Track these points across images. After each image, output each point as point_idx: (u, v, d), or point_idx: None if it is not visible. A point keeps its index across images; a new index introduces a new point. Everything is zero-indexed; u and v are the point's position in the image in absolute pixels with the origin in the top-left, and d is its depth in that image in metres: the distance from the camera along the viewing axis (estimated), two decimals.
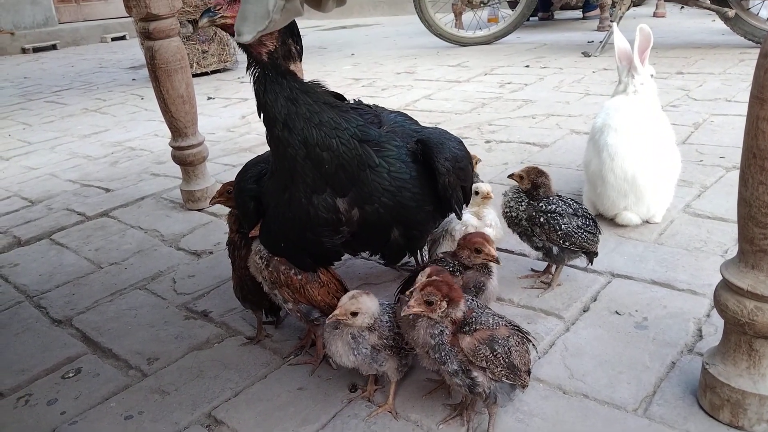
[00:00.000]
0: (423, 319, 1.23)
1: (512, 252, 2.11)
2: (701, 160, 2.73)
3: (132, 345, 1.83)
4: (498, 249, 2.09)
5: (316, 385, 1.56)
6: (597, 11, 7.11)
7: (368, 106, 1.65)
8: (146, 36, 2.49)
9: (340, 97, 1.49)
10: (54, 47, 11.82)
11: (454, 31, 6.81)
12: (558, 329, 1.67)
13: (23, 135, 4.82)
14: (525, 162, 2.94)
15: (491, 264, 1.57)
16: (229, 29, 1.31)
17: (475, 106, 4.13)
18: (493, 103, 4.14)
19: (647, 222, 2.20)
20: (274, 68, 1.31)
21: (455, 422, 1.37)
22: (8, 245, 2.66)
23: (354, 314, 1.32)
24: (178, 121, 2.65)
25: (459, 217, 1.64)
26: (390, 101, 4.47)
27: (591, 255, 1.81)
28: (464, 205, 1.65)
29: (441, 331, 1.22)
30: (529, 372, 1.31)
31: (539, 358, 1.55)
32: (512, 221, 1.80)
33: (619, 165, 2.11)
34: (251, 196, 1.53)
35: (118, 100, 5.91)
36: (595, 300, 1.78)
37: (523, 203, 1.77)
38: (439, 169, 1.47)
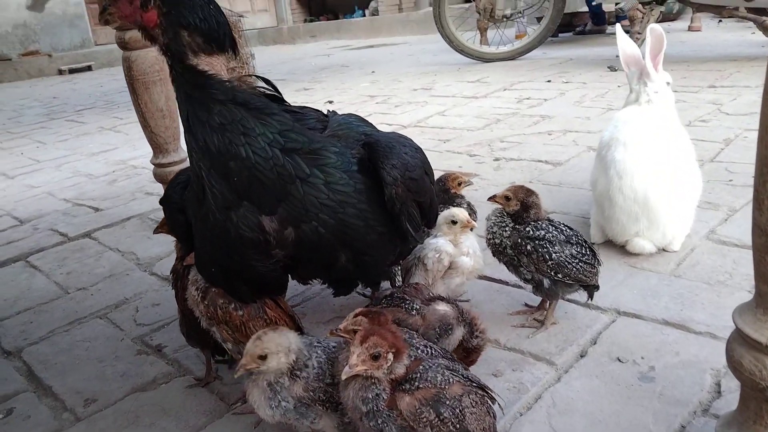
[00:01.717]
0: (356, 378, 1.01)
1: (505, 283, 1.86)
2: (731, 180, 2.43)
3: (74, 382, 1.66)
4: (488, 279, 1.87)
5: None
6: (626, 22, 6.81)
7: (320, 111, 1.45)
8: (122, 46, 2.35)
9: (278, 99, 1.28)
10: (89, 68, 12.04)
11: (476, 47, 6.60)
12: (547, 379, 1.41)
13: (35, 153, 4.78)
14: (534, 181, 2.69)
15: (463, 308, 1.35)
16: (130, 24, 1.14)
17: (488, 122, 3.90)
18: (508, 119, 3.90)
19: (664, 250, 1.92)
20: (170, 62, 1.13)
21: None
22: None
23: (262, 357, 1.10)
24: (158, 137, 2.51)
25: (413, 241, 1.39)
26: (401, 118, 4.27)
27: (590, 288, 1.56)
28: (424, 228, 1.42)
29: (376, 394, 0.99)
30: None
31: (520, 415, 1.31)
32: (496, 249, 1.57)
33: (628, 184, 1.85)
34: (178, 207, 1.34)
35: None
36: (594, 343, 1.53)
37: (507, 228, 1.53)
38: (384, 178, 1.25)
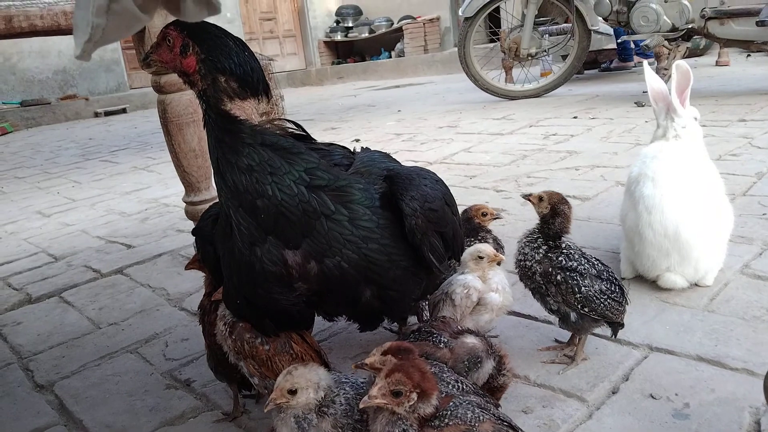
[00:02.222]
0: (384, 412, 1.00)
1: (535, 318, 1.84)
2: (764, 214, 2.39)
3: (104, 416, 1.67)
4: (516, 314, 1.85)
5: None
6: (653, 60, 6.82)
7: (346, 149, 1.48)
8: (157, 90, 2.44)
9: (305, 138, 1.31)
10: (124, 111, 12.45)
11: (501, 85, 6.67)
12: (578, 416, 1.38)
13: (70, 192, 4.93)
14: None
15: (492, 342, 1.34)
16: (170, 70, 1.19)
17: (515, 158, 3.91)
18: (535, 155, 3.90)
19: (696, 285, 1.89)
20: (205, 108, 1.18)
21: None
22: (18, 302, 2.60)
23: (292, 392, 1.10)
24: (191, 176, 2.57)
25: (437, 272, 1.39)
26: (428, 155, 4.31)
27: (615, 326, 1.54)
28: (448, 259, 1.41)
29: (404, 430, 0.98)
30: None
31: None
32: (525, 273, 1.56)
33: (658, 219, 1.83)
34: (209, 240, 1.37)
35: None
36: (626, 379, 1.49)
37: (539, 251, 1.52)
38: (403, 209, 1.26)
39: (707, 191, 1.88)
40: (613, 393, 1.45)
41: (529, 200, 1.57)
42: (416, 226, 1.27)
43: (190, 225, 3.41)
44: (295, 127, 1.30)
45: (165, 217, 3.72)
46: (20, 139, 9.59)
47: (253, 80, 1.21)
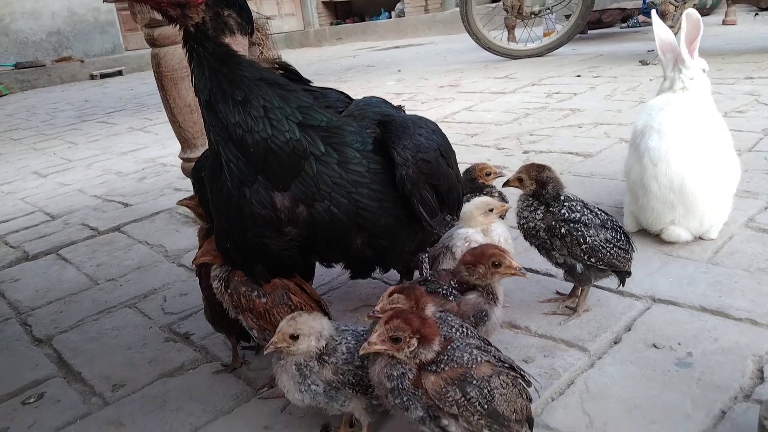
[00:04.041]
0: (383, 356, 0.98)
1: (537, 271, 1.82)
2: None
3: (103, 369, 1.66)
4: None
5: (285, 425, 1.33)
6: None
7: (343, 93, 1.43)
8: (151, 43, 2.38)
9: (300, 80, 1.27)
10: (120, 73, 12.25)
11: (504, 44, 6.54)
12: (580, 364, 1.37)
13: (67, 153, 4.87)
14: (565, 173, 2.64)
15: (496, 288, 1.31)
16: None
17: (517, 116, 3.85)
18: (538, 113, 3.84)
19: (700, 238, 1.86)
20: (203, 40, 1.14)
21: None
22: (16, 260, 2.58)
23: (294, 338, 1.09)
24: (186, 132, 2.52)
25: (428, 226, 1.35)
26: (428, 114, 4.24)
27: (622, 275, 1.51)
28: (441, 213, 1.38)
29: (402, 373, 0.97)
30: (528, 421, 1.04)
31: (552, 400, 1.27)
32: (528, 233, 1.53)
33: (663, 172, 1.79)
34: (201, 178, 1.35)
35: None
36: (629, 330, 1.48)
37: (539, 211, 1.49)
38: (395, 158, 1.22)
39: (714, 144, 1.84)
40: (615, 343, 1.44)
41: (511, 186, 1.52)
42: (407, 176, 1.23)
43: (188, 183, 3.37)
44: (289, 69, 1.26)
45: (162, 177, 3.68)
46: (15, 102, 9.46)
47: (250, 18, 1.19)
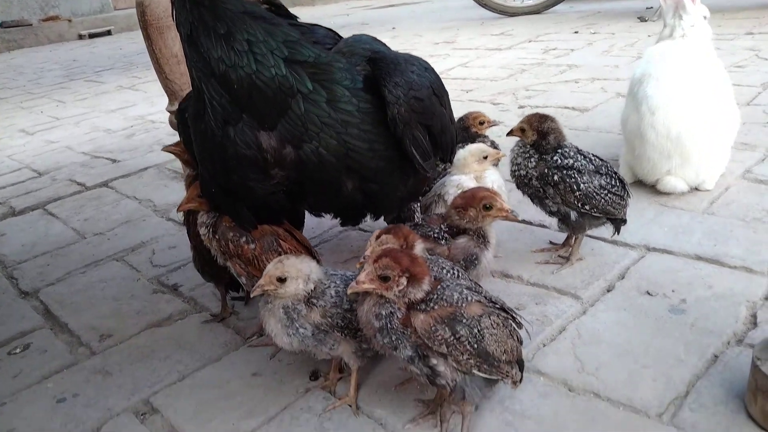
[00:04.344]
0: (372, 295, 0.96)
1: (530, 222, 1.79)
2: None
3: (90, 320, 1.64)
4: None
5: (273, 371, 1.31)
6: None
7: (331, 30, 1.37)
8: None
9: (287, 15, 1.21)
10: (109, 33, 11.97)
11: (501, 1, 6.39)
12: (572, 311, 1.36)
13: (54, 111, 4.78)
14: None
15: (488, 232, 1.28)
16: None
17: (513, 72, 3.78)
18: (534, 69, 3.77)
19: (696, 189, 1.83)
20: None
21: (427, 422, 1.10)
22: (1, 215, 2.54)
23: (281, 280, 1.06)
24: (173, 83, 2.44)
25: (421, 170, 1.30)
26: None
27: (618, 222, 1.49)
28: (434, 156, 1.33)
29: (390, 312, 0.94)
30: (519, 363, 1.02)
31: (544, 346, 1.26)
32: (521, 181, 1.49)
33: (661, 120, 1.76)
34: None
35: (153, 77, 5.79)
36: (622, 278, 1.46)
37: (532, 159, 1.45)
38: (386, 96, 1.17)
39: (713, 93, 1.79)
40: (608, 291, 1.42)
41: (514, 135, 1.48)
42: (398, 116, 1.18)
43: (176, 138, 3.33)
44: (275, 4, 1.20)
45: (151, 133, 3.62)
46: (2, 62, 9.27)
47: None
